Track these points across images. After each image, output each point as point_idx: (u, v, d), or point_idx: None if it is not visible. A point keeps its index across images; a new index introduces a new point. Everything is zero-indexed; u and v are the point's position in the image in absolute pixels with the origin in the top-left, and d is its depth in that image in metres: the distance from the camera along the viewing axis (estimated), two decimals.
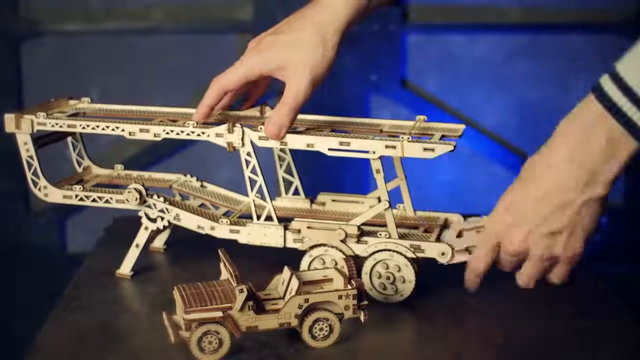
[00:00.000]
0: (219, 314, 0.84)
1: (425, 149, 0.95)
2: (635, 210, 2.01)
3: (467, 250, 0.96)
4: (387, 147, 0.96)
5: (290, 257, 0.97)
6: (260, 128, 0.99)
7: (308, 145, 0.98)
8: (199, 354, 0.85)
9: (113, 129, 1.03)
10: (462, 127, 1.02)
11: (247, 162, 1.00)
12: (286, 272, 0.90)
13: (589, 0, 1.92)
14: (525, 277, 0.92)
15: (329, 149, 0.98)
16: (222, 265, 0.91)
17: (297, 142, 0.99)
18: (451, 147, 0.94)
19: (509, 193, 0.90)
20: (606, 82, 0.82)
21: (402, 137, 0.96)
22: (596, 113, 0.82)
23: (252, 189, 1.01)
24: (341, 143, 0.98)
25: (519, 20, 1.93)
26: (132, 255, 1.06)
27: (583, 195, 0.84)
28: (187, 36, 1.95)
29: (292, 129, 1.00)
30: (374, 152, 0.96)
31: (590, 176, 0.84)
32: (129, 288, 1.04)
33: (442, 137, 0.99)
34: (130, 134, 1.03)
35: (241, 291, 0.84)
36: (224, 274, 0.90)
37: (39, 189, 1.07)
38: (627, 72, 0.80)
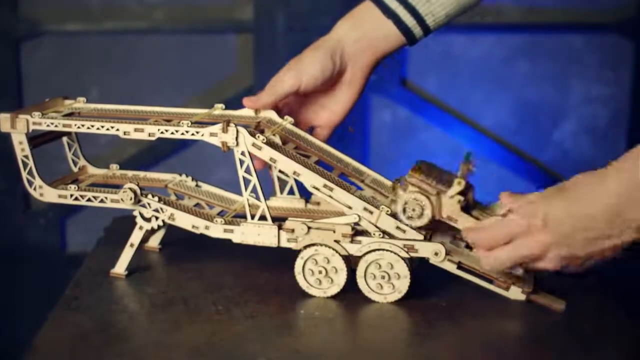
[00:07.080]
0: (434, 190, 0.93)
1: (397, 227, 0.97)
2: None
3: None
4: (365, 209, 0.97)
5: (292, 257, 0.97)
6: (258, 137, 0.99)
7: (294, 173, 0.99)
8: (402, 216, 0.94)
9: (108, 129, 1.03)
10: None
11: (242, 162, 1.00)
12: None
13: (589, 0, 1.91)
14: (506, 262, 0.89)
15: (312, 186, 0.99)
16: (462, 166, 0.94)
17: (286, 166, 0.99)
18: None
19: (549, 200, 0.85)
20: None
21: (382, 208, 0.97)
22: None
23: (246, 189, 1.00)
24: (325, 186, 0.98)
25: (519, 20, 1.93)
26: (126, 255, 1.06)
27: (619, 238, 0.82)
28: (187, 36, 1.95)
29: (281, 145, 1.01)
30: (350, 208, 0.98)
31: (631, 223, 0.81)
32: (128, 288, 1.04)
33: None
34: (125, 133, 1.02)
35: (459, 183, 0.92)
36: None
37: (35, 189, 1.07)
38: None
